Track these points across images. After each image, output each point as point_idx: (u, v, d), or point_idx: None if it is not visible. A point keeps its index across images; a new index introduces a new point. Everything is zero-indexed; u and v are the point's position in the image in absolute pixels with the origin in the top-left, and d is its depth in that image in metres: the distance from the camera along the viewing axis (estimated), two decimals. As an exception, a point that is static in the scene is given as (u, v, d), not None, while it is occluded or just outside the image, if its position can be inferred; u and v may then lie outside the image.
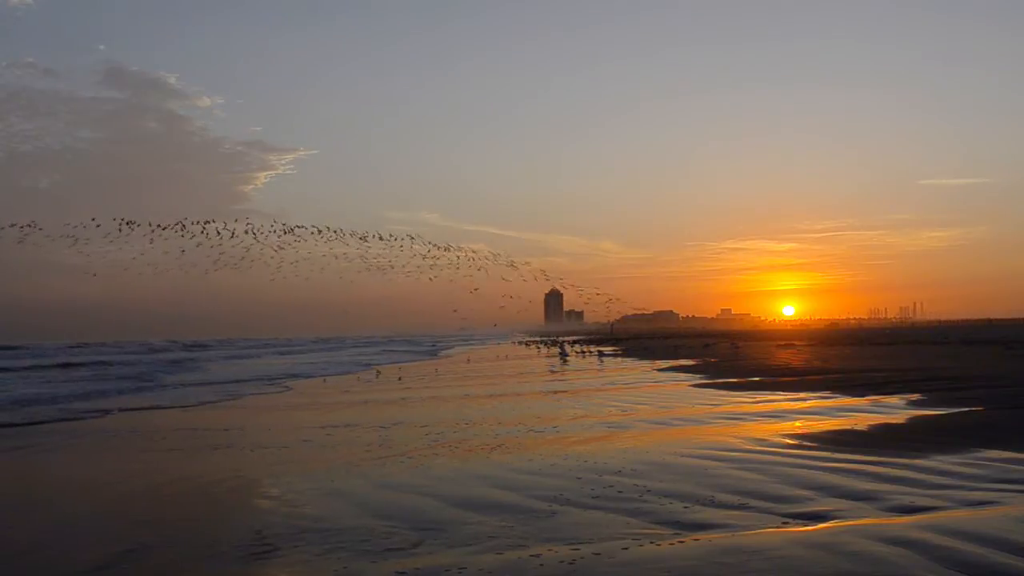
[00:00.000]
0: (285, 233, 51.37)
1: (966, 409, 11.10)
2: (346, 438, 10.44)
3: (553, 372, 25.42)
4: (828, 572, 4.43)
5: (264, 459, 9.00)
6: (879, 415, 11.09)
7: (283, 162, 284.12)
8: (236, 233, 49.84)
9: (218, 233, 49.09)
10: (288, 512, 6.28)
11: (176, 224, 47.11)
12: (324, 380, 24.08)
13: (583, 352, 42.20)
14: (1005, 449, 7.97)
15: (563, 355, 37.66)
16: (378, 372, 27.11)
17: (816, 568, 4.49)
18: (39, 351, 47.42)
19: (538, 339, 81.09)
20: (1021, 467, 7.13)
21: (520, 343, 69.18)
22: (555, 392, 17.28)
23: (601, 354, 38.45)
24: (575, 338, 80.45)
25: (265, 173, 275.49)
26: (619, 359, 33.29)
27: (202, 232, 47.99)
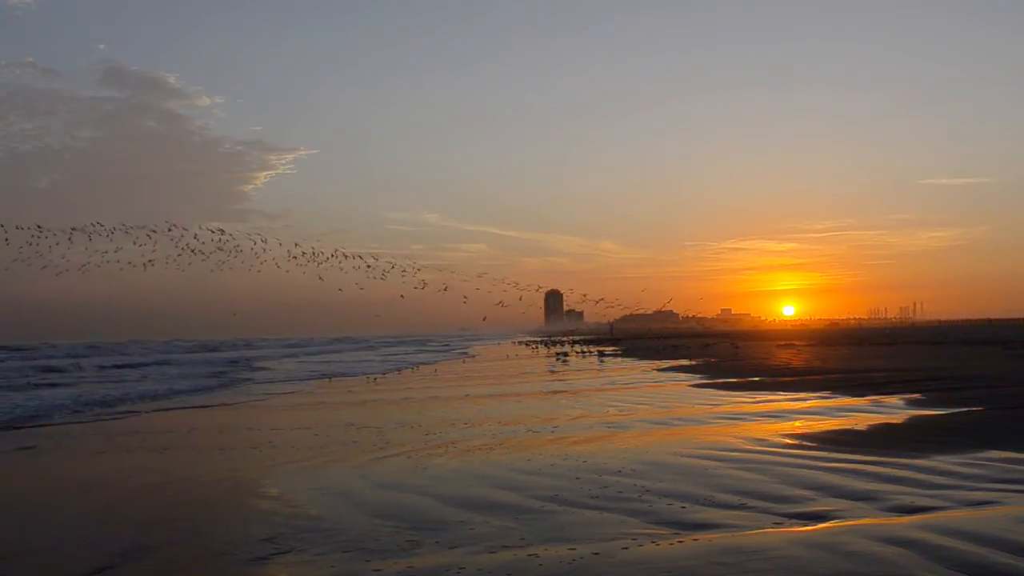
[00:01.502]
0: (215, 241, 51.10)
1: (966, 409, 11.09)
2: (347, 437, 10.44)
3: (553, 372, 25.42)
4: (828, 572, 4.42)
5: (272, 457, 9.00)
6: (879, 415, 11.09)
7: (283, 162, 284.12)
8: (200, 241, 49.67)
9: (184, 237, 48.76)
10: (288, 512, 6.27)
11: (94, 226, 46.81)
12: (377, 377, 24.98)
13: (583, 352, 42.19)
14: (1005, 449, 7.96)
15: (563, 355, 37.67)
16: (469, 356, 29.58)
17: (816, 568, 4.49)
18: (53, 351, 47.45)
19: (538, 339, 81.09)
20: (1021, 467, 7.13)
21: (520, 343, 69.19)
22: (555, 392, 17.27)
23: (601, 354, 38.46)
24: (575, 338, 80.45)
25: (265, 173, 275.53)
26: (619, 359, 33.29)
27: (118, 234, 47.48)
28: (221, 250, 50.64)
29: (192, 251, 49.47)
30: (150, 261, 49.38)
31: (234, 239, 51.34)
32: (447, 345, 68.15)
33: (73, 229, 46.26)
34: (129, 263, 49.30)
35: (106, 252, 48.00)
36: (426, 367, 30.69)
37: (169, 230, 49.35)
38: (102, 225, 47.30)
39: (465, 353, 46.51)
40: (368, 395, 17.83)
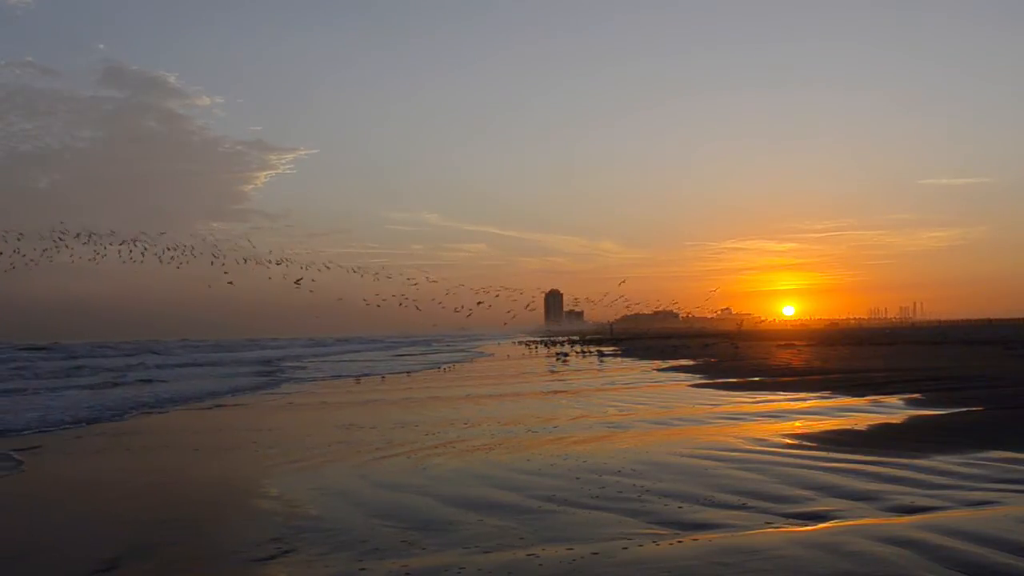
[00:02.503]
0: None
1: (966, 409, 11.09)
2: (354, 437, 10.45)
3: (553, 372, 25.41)
4: (828, 572, 4.42)
5: (271, 458, 9.00)
6: (879, 415, 11.09)
7: (283, 162, 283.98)
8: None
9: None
10: (288, 512, 6.28)
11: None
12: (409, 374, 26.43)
13: (583, 352, 42.20)
14: (1005, 449, 7.96)
15: (563, 355, 37.69)
16: (487, 356, 28.92)
17: (816, 568, 4.49)
18: (68, 350, 47.71)
19: (538, 339, 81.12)
20: (1021, 467, 7.13)
21: (520, 343, 69.22)
22: (555, 392, 17.27)
23: (601, 354, 38.47)
24: (575, 338, 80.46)
25: (265, 173, 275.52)
26: (619, 359, 33.29)
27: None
28: (210, 254, 50.33)
29: (142, 256, 49.26)
30: (102, 256, 49.31)
31: (191, 253, 51.19)
32: (452, 345, 68.65)
33: (21, 234, 46.28)
34: (80, 257, 49.46)
35: (50, 249, 47.97)
36: (461, 365, 31.70)
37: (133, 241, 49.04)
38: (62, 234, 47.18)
39: (481, 353, 46.85)
40: (420, 392, 17.85)
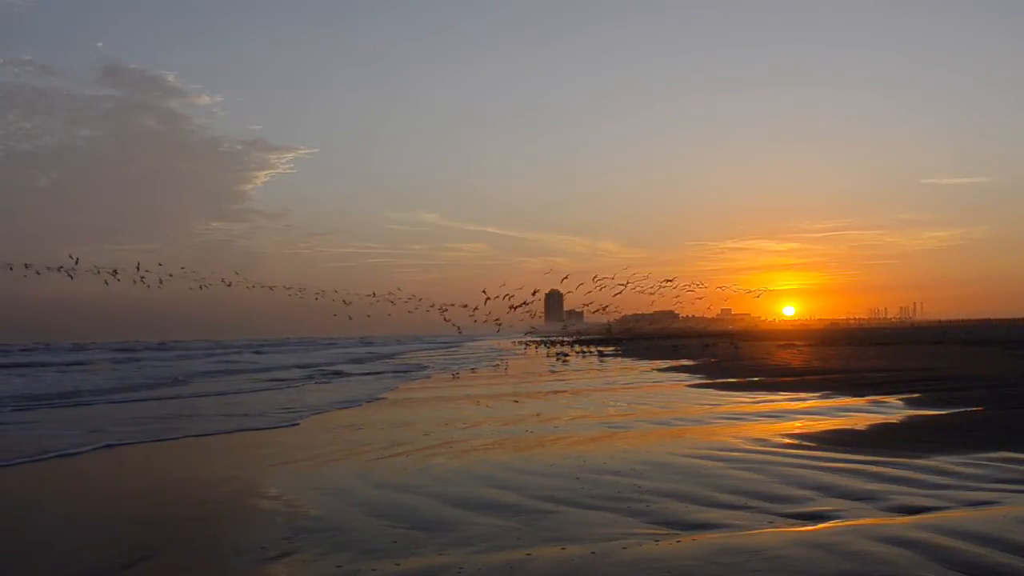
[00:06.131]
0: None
1: (966, 409, 11.10)
2: (354, 438, 10.46)
3: (553, 372, 25.42)
4: (828, 572, 4.42)
5: (269, 458, 9.01)
6: (878, 415, 11.09)
7: (283, 161, 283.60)
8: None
9: None
10: (289, 512, 6.28)
11: None
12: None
13: (583, 352, 42.21)
14: (1005, 449, 7.97)
15: (563, 355, 37.71)
16: (520, 355, 31.03)
17: (816, 568, 4.49)
18: (95, 348, 48.18)
19: (538, 339, 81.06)
20: (1021, 467, 7.13)
21: (520, 343, 69.22)
22: (555, 392, 17.28)
23: (601, 354, 38.49)
24: (575, 338, 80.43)
25: (265, 172, 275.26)
26: (619, 359, 33.31)
27: None
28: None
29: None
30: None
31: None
32: (474, 344, 70.37)
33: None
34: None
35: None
36: (507, 362, 33.43)
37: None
38: None
39: (515, 353, 47.35)
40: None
